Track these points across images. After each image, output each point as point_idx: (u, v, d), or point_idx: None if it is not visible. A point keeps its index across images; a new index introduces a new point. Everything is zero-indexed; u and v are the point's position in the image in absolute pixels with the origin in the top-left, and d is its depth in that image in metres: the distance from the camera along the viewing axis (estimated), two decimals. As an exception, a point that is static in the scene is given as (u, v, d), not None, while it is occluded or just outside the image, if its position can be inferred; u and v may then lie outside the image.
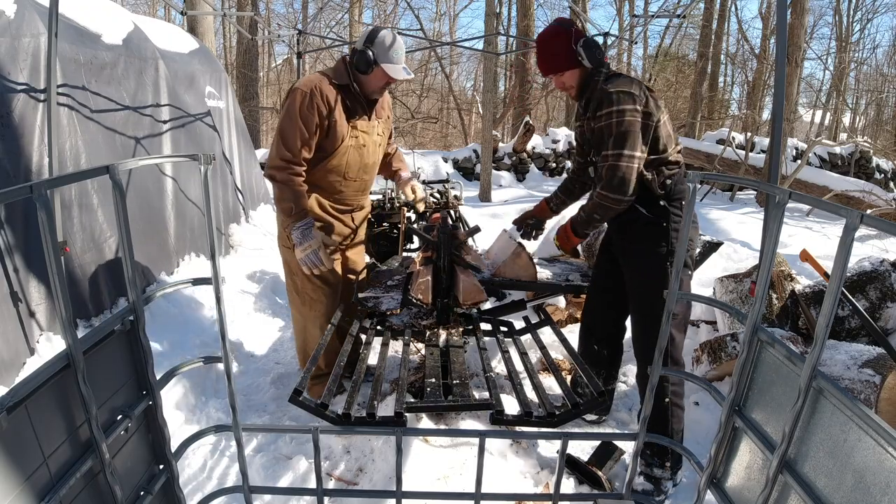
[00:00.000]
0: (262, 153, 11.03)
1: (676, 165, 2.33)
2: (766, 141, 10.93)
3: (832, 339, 2.91)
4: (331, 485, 2.26)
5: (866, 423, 1.09)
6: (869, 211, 7.39)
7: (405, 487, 1.82)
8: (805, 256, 3.12)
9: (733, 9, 16.47)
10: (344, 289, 2.88)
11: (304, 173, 2.54)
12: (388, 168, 3.00)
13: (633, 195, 2.19)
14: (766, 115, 16.16)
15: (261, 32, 13.30)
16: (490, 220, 6.90)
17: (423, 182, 5.11)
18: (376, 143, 2.73)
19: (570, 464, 2.32)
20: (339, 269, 2.84)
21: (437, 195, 4.55)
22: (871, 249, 5.86)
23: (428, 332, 2.58)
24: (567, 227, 2.47)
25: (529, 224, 2.83)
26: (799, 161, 9.90)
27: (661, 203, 2.29)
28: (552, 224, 3.35)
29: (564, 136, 11.69)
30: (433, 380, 2.13)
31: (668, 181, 2.29)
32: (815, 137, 12.92)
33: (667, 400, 2.28)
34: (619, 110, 2.14)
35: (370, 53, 2.44)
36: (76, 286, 3.09)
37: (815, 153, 11.31)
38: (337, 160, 2.60)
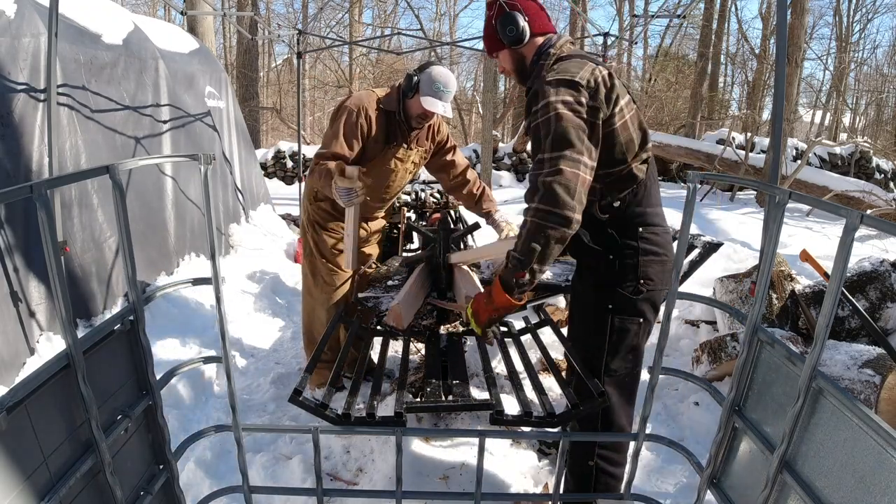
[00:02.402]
0: (261, 153, 11.05)
1: (633, 181, 1.78)
2: (766, 141, 10.94)
3: (832, 339, 2.92)
4: (331, 485, 2.26)
5: (866, 423, 1.09)
6: (869, 211, 7.39)
7: (405, 487, 1.82)
8: (805, 256, 3.12)
9: (733, 9, 16.48)
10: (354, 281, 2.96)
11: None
12: (476, 206, 2.94)
13: (578, 212, 1.58)
14: (766, 115, 16.17)
15: (261, 32, 13.30)
16: (490, 220, 6.88)
17: (424, 182, 5.12)
18: (407, 171, 2.81)
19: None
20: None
21: (437, 195, 4.55)
22: (871, 249, 5.86)
23: (428, 332, 2.58)
24: (494, 285, 1.75)
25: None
26: (799, 161, 9.90)
27: (609, 231, 1.79)
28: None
29: (564, 136, 11.69)
30: (433, 380, 2.12)
31: (617, 203, 1.77)
32: (815, 137, 12.93)
33: (591, 463, 1.94)
34: (555, 103, 1.61)
35: (415, 80, 2.53)
36: (76, 286, 3.09)
37: (815, 153, 11.31)
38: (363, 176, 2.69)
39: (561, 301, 3.77)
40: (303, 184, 2.74)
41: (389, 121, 2.61)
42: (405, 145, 2.71)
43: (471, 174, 2.95)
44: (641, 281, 1.77)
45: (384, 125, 2.60)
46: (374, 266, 3.10)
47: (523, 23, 1.81)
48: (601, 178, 1.74)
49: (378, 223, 3.05)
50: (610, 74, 1.72)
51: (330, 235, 2.83)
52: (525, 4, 1.83)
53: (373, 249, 3.09)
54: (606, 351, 1.84)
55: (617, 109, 1.70)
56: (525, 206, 1.64)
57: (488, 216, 2.92)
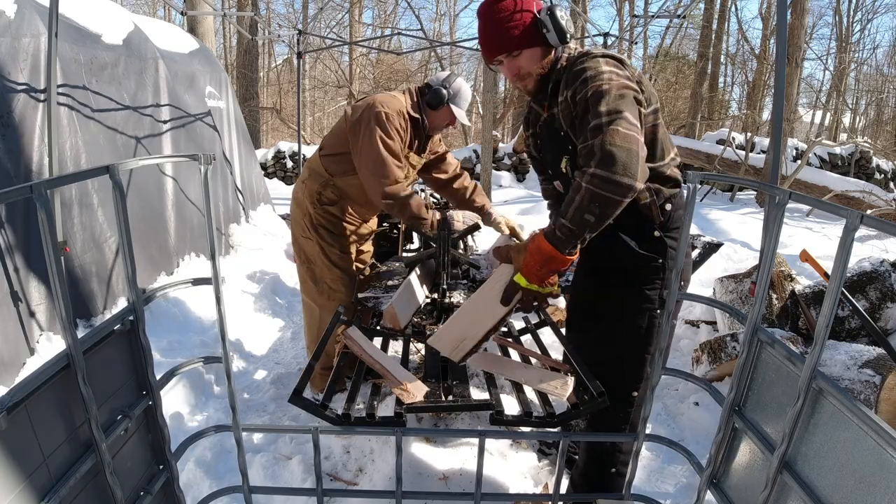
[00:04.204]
0: (261, 153, 11.06)
1: (675, 184, 1.79)
2: (766, 141, 10.94)
3: (832, 340, 2.92)
4: (331, 485, 2.26)
5: (866, 423, 1.09)
6: (869, 211, 7.39)
7: (405, 487, 1.82)
8: (805, 257, 3.12)
9: (733, 9, 16.47)
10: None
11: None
12: (468, 203, 2.96)
13: (641, 179, 1.45)
14: (766, 115, 16.16)
15: (261, 32, 13.31)
16: (490, 221, 6.88)
17: (423, 182, 5.12)
18: (414, 174, 2.85)
19: (570, 464, 2.32)
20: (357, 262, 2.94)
21: (437, 195, 4.55)
22: (871, 249, 5.86)
23: (428, 332, 2.58)
24: (539, 243, 1.53)
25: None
26: (799, 161, 9.90)
27: (657, 234, 1.75)
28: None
29: (564, 136, 11.69)
30: (433, 380, 2.12)
31: (669, 205, 1.75)
32: (815, 138, 12.92)
33: (613, 470, 1.97)
34: (608, 72, 1.56)
35: (444, 92, 2.62)
36: (76, 286, 3.09)
37: (815, 153, 11.31)
38: None
39: (561, 301, 3.77)
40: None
41: (415, 127, 2.67)
42: (421, 151, 2.76)
43: (459, 168, 3.00)
44: (682, 283, 1.81)
45: (410, 130, 2.65)
46: (375, 266, 3.10)
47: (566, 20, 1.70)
48: (652, 177, 1.68)
49: (374, 222, 3.06)
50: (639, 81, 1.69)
51: (337, 240, 2.80)
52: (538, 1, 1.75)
53: (369, 247, 3.11)
54: (651, 354, 1.76)
55: (651, 109, 1.71)
56: (580, 171, 1.48)
57: (486, 214, 2.93)
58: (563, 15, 1.66)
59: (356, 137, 2.54)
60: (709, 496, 1.66)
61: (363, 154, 2.52)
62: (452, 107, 2.65)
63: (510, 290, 1.59)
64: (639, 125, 1.50)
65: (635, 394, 1.84)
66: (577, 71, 1.61)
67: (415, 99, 2.68)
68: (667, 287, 1.70)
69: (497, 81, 15.75)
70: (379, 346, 2.47)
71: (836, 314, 2.37)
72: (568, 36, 1.67)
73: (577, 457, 2.34)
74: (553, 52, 1.72)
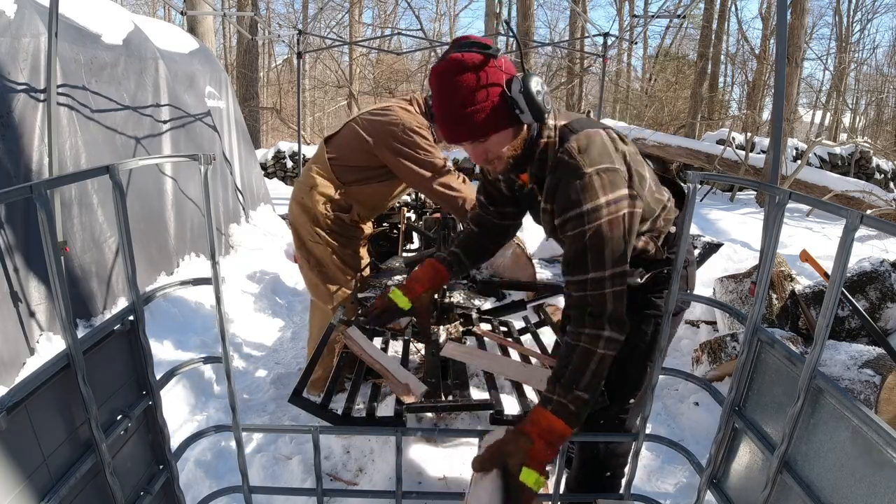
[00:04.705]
0: (261, 153, 11.05)
1: (669, 210, 1.67)
2: (766, 141, 10.94)
3: (832, 339, 2.92)
4: (331, 485, 2.26)
5: (866, 423, 1.09)
6: (869, 211, 7.39)
7: (405, 487, 1.82)
8: (805, 256, 3.12)
9: (733, 9, 16.47)
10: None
11: None
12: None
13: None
14: (766, 115, 16.16)
15: (261, 32, 13.31)
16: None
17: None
18: None
19: (570, 463, 2.32)
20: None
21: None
22: (871, 249, 5.86)
23: (428, 332, 2.58)
24: (547, 424, 1.34)
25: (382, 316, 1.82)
26: (799, 161, 9.90)
27: (665, 255, 1.68)
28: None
29: (564, 136, 11.69)
30: (433, 380, 2.12)
31: (673, 228, 1.68)
32: (815, 138, 12.93)
33: (608, 474, 1.94)
34: (603, 205, 1.34)
35: None
36: (76, 286, 3.09)
37: (815, 153, 11.30)
38: (391, 187, 2.75)
39: (561, 301, 3.77)
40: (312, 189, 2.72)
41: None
42: None
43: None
44: (688, 287, 1.77)
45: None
46: (375, 266, 3.10)
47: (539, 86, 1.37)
48: (651, 234, 1.62)
49: (370, 224, 3.08)
50: (621, 137, 1.50)
51: (349, 242, 2.82)
52: (507, 65, 1.39)
53: (365, 252, 3.12)
54: (655, 360, 1.72)
55: (638, 179, 1.46)
56: (587, 333, 1.36)
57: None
58: (539, 89, 1.35)
59: (403, 157, 2.59)
60: (709, 496, 1.66)
61: (417, 166, 2.60)
62: None
63: (520, 498, 1.28)
64: (627, 267, 1.40)
65: (632, 400, 1.83)
66: (569, 192, 1.37)
67: (423, 109, 2.72)
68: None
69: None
70: (379, 347, 2.47)
71: (836, 314, 2.37)
72: (545, 114, 1.38)
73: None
74: (527, 128, 1.44)
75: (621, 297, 1.39)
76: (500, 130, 1.38)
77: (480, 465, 1.32)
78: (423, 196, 4.56)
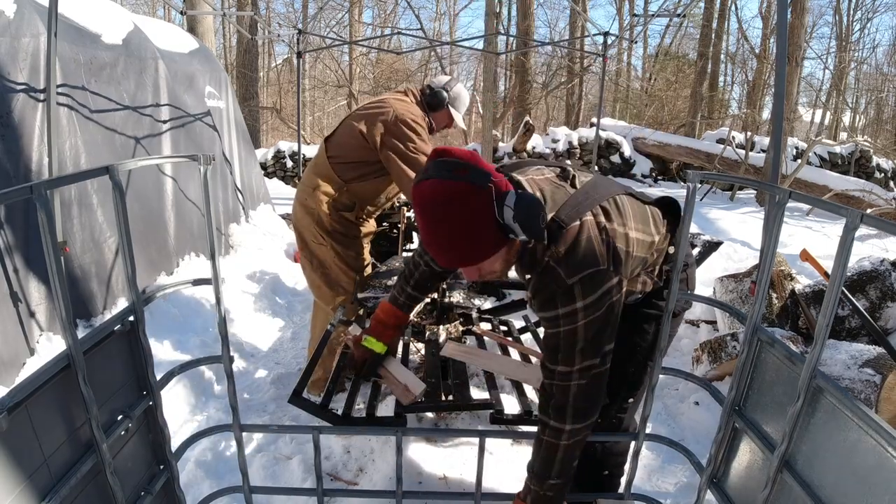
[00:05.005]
0: (261, 153, 11.05)
1: (661, 241, 1.65)
2: (766, 140, 10.94)
3: (832, 339, 2.92)
4: (331, 485, 2.26)
5: (866, 423, 1.09)
6: (869, 211, 7.39)
7: (405, 487, 1.82)
8: (805, 256, 3.12)
9: (733, 8, 16.47)
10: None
11: None
12: None
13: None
14: (766, 114, 16.17)
15: (261, 32, 13.30)
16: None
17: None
18: None
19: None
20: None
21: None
22: (871, 249, 5.86)
23: (428, 332, 2.58)
24: None
25: (364, 368, 1.92)
26: (799, 160, 9.90)
27: (665, 271, 1.70)
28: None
29: (564, 135, 11.70)
30: (433, 380, 2.13)
31: (672, 248, 1.67)
32: (815, 137, 12.92)
33: (605, 472, 1.95)
34: (579, 311, 1.37)
35: (444, 95, 2.72)
36: (76, 286, 3.09)
37: (815, 153, 11.30)
38: (391, 180, 2.73)
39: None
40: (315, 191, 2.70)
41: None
42: None
43: None
44: (689, 287, 1.79)
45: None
46: (375, 266, 3.10)
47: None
48: (647, 271, 1.62)
49: (372, 223, 3.06)
50: (607, 211, 1.46)
51: (352, 243, 2.81)
52: (490, 170, 1.31)
53: (367, 252, 3.10)
54: (655, 359, 1.73)
55: (624, 255, 1.46)
56: (551, 427, 1.44)
57: None
58: (533, 211, 1.28)
59: (389, 149, 2.56)
60: (709, 496, 1.66)
61: (403, 161, 2.56)
62: (451, 110, 2.74)
63: None
64: (610, 347, 1.44)
65: (631, 400, 1.83)
66: (548, 296, 1.39)
67: (419, 99, 2.74)
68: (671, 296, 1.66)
69: (497, 81, 15.75)
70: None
71: (836, 313, 2.37)
72: (544, 234, 1.35)
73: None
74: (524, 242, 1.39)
75: (586, 390, 1.42)
76: (494, 254, 1.33)
77: None
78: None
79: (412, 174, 2.54)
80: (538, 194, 1.43)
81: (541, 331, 2.60)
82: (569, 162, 10.30)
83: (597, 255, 1.38)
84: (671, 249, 1.67)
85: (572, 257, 1.37)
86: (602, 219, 1.45)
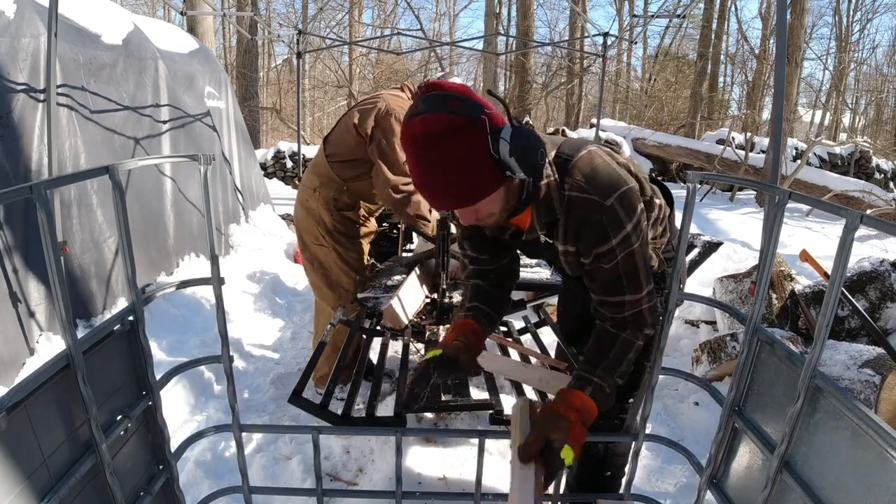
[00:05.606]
0: (261, 153, 11.05)
1: (663, 207, 1.61)
2: (766, 141, 10.94)
3: (832, 339, 2.92)
4: (331, 485, 2.26)
5: (866, 423, 1.09)
6: (869, 211, 7.39)
7: (405, 487, 1.82)
8: (805, 256, 3.12)
9: (733, 9, 16.47)
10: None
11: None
12: None
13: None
14: (765, 115, 16.17)
15: (260, 32, 13.30)
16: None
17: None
18: None
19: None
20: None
21: None
22: (871, 249, 5.86)
23: (428, 332, 2.58)
24: (584, 405, 1.39)
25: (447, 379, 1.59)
26: (799, 161, 9.90)
27: (664, 270, 1.68)
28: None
29: (564, 136, 11.72)
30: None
31: (667, 239, 1.65)
32: (814, 137, 12.92)
33: (608, 473, 1.94)
34: (631, 234, 1.32)
35: None
36: (76, 286, 3.09)
37: (814, 153, 11.31)
38: None
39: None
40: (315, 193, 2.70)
41: None
42: None
43: None
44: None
45: None
46: (375, 266, 3.10)
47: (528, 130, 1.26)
48: (654, 246, 1.59)
49: (373, 222, 3.06)
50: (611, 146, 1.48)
51: (354, 244, 2.81)
52: (485, 103, 1.23)
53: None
54: (654, 360, 1.70)
55: (654, 212, 1.51)
56: (625, 327, 1.44)
57: None
58: (530, 143, 1.22)
59: (375, 143, 2.54)
60: (709, 496, 1.66)
61: (383, 156, 2.53)
62: None
63: (554, 470, 1.34)
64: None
65: (631, 400, 1.83)
66: (595, 229, 1.32)
67: (414, 92, 2.70)
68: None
69: (497, 81, 15.76)
70: (379, 347, 2.47)
71: (836, 314, 2.37)
72: (543, 170, 1.31)
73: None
74: (521, 181, 1.32)
75: (655, 304, 1.46)
76: (491, 194, 1.25)
77: (526, 455, 1.33)
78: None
79: (388, 173, 2.51)
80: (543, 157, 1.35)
81: (541, 331, 2.60)
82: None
83: (619, 174, 1.33)
84: (670, 237, 1.67)
85: (597, 180, 1.30)
86: (608, 149, 1.43)
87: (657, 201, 1.58)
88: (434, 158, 1.19)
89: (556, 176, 1.34)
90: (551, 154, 1.37)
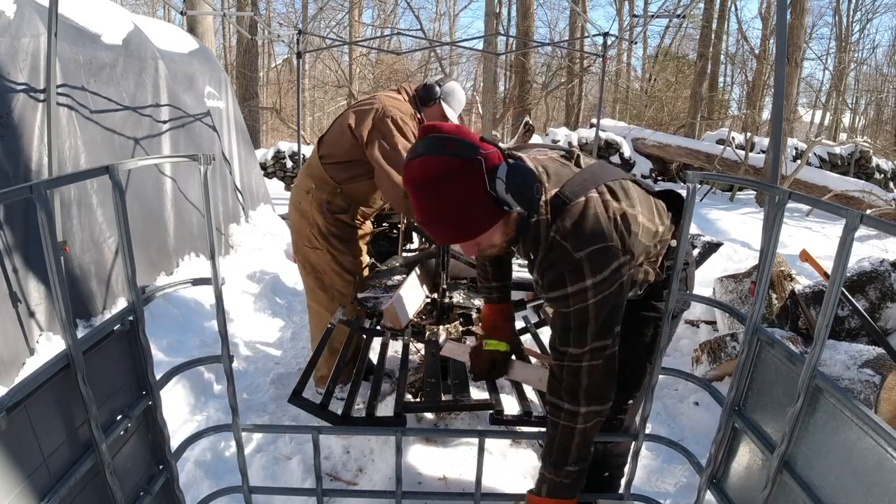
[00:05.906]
0: (261, 153, 11.05)
1: (665, 232, 1.61)
2: (766, 141, 10.94)
3: (832, 339, 2.92)
4: (331, 485, 2.26)
5: (866, 423, 1.09)
6: (869, 211, 7.39)
7: (405, 487, 1.82)
8: (805, 256, 3.12)
9: (733, 9, 16.46)
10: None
11: None
12: None
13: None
14: (765, 115, 16.17)
15: (260, 32, 13.30)
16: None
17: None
18: None
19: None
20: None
21: None
22: (871, 249, 5.86)
23: (428, 332, 2.58)
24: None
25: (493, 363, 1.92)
26: (799, 161, 9.90)
27: (664, 277, 1.67)
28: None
29: (564, 136, 11.70)
30: (433, 380, 2.12)
31: (671, 246, 1.64)
32: (814, 137, 12.92)
33: (606, 474, 1.94)
34: (589, 289, 1.34)
35: (437, 90, 2.70)
36: (76, 286, 3.09)
37: (814, 153, 11.31)
38: None
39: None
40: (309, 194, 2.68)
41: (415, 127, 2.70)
42: None
43: None
44: (687, 288, 1.76)
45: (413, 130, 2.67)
46: (374, 266, 3.10)
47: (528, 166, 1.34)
48: (649, 261, 1.58)
49: (369, 224, 3.06)
50: (612, 191, 1.43)
51: (349, 246, 2.79)
52: (480, 143, 1.29)
53: (365, 253, 3.09)
54: (655, 360, 1.71)
55: (631, 235, 1.43)
56: (564, 410, 1.42)
57: None
58: (525, 180, 1.28)
59: (376, 146, 2.52)
60: (709, 496, 1.66)
61: (387, 160, 2.51)
62: (443, 104, 2.70)
63: None
64: (618, 329, 1.41)
65: (631, 401, 1.83)
66: (557, 273, 1.36)
67: (411, 96, 2.71)
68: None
69: (497, 81, 15.76)
70: (379, 347, 2.47)
71: (836, 314, 2.37)
72: (540, 205, 1.37)
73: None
74: (519, 213, 1.37)
75: (599, 371, 1.41)
76: (490, 228, 1.33)
77: None
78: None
79: (391, 172, 2.49)
80: (541, 170, 1.41)
81: (541, 331, 2.60)
82: (575, 144, 10.23)
83: (604, 230, 1.35)
84: (674, 242, 1.66)
85: (579, 231, 1.34)
86: (608, 197, 1.42)
87: (660, 227, 1.58)
88: (434, 199, 1.27)
89: (549, 216, 1.39)
90: (552, 191, 1.40)
